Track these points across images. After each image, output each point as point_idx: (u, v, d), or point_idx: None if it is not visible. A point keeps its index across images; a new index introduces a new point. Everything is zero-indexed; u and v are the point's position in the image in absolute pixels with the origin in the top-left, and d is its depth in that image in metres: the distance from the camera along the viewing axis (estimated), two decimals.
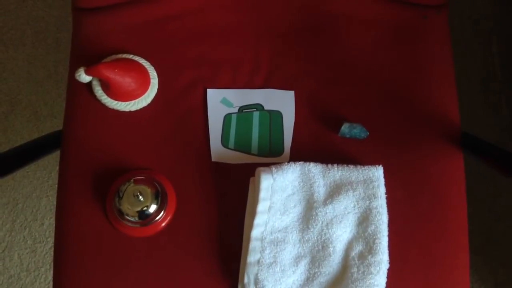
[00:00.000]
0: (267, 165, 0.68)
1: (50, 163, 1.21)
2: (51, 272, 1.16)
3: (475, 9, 1.28)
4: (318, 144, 0.72)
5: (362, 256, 0.64)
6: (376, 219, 0.66)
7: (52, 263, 1.16)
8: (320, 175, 0.67)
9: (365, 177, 0.67)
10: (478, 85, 1.24)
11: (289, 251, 0.65)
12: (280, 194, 0.67)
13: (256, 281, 0.63)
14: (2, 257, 1.17)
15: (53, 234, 1.17)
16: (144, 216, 0.66)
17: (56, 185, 1.20)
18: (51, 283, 1.16)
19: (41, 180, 1.21)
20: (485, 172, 1.13)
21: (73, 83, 0.73)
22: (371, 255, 0.64)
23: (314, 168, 0.68)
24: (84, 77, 0.69)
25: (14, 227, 1.18)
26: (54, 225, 1.20)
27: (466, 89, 1.22)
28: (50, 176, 1.21)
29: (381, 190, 0.67)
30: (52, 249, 1.17)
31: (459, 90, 0.76)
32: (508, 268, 1.14)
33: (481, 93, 1.24)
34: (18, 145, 0.76)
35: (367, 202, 0.66)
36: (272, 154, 0.72)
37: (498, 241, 1.16)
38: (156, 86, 0.74)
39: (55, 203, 1.20)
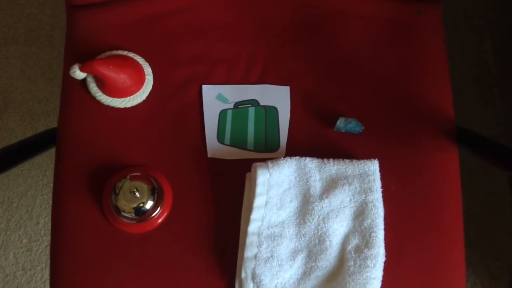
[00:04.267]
0: (263, 160, 0.68)
1: (45, 161, 1.20)
2: (47, 270, 1.16)
3: (468, 5, 1.29)
4: (314, 139, 0.72)
5: (358, 250, 0.65)
6: (372, 212, 0.66)
7: (48, 262, 1.16)
8: (316, 170, 0.68)
9: (360, 171, 0.67)
10: (472, 81, 1.25)
11: (286, 245, 0.65)
12: (276, 189, 0.67)
13: (254, 276, 0.63)
14: None
15: (48, 232, 1.17)
16: (140, 213, 0.66)
17: (51, 184, 1.20)
18: (47, 281, 1.16)
19: (36, 178, 1.20)
20: (479, 166, 1.14)
21: (68, 80, 0.73)
22: (367, 249, 0.64)
23: (310, 163, 0.68)
24: (78, 73, 0.68)
25: (9, 226, 1.18)
26: (49, 223, 1.19)
27: (460, 84, 1.22)
28: (45, 174, 1.20)
29: (377, 184, 0.67)
30: (48, 247, 1.17)
31: (453, 86, 0.76)
32: (503, 261, 1.15)
33: (475, 88, 1.24)
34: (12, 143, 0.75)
35: (363, 196, 0.67)
36: (268, 150, 0.72)
37: (493, 235, 1.16)
38: (151, 83, 0.73)
39: (50, 201, 1.19)
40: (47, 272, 1.16)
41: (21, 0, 1.31)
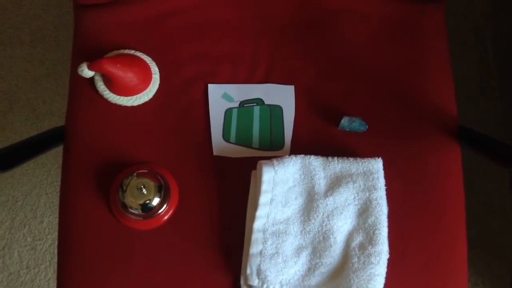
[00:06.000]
0: (268, 158, 0.69)
1: (49, 160, 1.21)
2: (51, 269, 1.16)
3: (469, 6, 1.30)
4: (318, 137, 0.73)
5: (362, 247, 0.65)
6: (376, 210, 0.67)
7: (52, 260, 1.16)
8: (320, 168, 0.68)
9: (365, 169, 0.68)
10: (473, 80, 1.26)
11: (291, 242, 0.66)
12: (281, 186, 0.67)
13: (259, 272, 0.64)
14: (2, 255, 1.17)
15: (52, 231, 1.18)
16: (147, 209, 0.67)
17: (56, 183, 1.21)
18: (51, 280, 1.17)
19: (40, 177, 1.21)
20: (481, 166, 1.15)
21: (76, 78, 0.73)
22: (371, 246, 0.65)
23: (315, 161, 0.69)
24: (86, 72, 0.69)
25: (14, 225, 1.18)
26: (53, 222, 1.20)
27: (461, 84, 1.23)
28: (50, 173, 1.21)
29: (381, 182, 0.68)
30: (52, 246, 1.17)
31: (455, 85, 0.77)
32: (505, 261, 1.16)
33: (475, 88, 1.25)
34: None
35: (367, 193, 0.67)
36: (273, 148, 0.73)
37: (495, 234, 1.17)
38: (158, 81, 0.74)
39: (54, 200, 1.20)
40: (51, 271, 1.16)
41: (26, 1, 1.32)
